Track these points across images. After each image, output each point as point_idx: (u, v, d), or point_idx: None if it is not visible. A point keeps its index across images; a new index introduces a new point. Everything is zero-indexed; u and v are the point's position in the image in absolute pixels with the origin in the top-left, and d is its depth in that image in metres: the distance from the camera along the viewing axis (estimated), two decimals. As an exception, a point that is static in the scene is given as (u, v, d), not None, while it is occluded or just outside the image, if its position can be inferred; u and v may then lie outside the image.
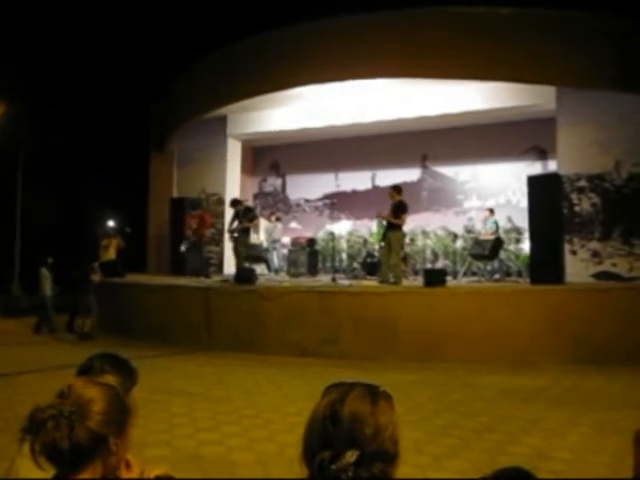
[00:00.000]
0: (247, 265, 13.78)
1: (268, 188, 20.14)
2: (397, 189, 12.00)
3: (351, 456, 1.29)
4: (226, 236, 14.42)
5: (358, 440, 1.32)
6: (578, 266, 12.97)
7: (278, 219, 17.37)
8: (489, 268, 13.65)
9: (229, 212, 15.02)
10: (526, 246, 13.07)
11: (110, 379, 1.69)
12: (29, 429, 1.44)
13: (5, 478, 1.76)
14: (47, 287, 14.02)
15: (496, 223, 13.71)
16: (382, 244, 14.88)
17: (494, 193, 16.42)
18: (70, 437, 1.42)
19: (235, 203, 13.87)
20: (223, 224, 16.75)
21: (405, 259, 13.55)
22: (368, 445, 1.32)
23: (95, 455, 1.47)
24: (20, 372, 8.59)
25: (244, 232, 13.43)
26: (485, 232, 13.67)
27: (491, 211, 14.11)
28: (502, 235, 13.73)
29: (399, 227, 11.54)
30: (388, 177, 17.52)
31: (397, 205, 11.53)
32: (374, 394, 1.41)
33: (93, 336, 12.29)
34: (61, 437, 1.42)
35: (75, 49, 29.30)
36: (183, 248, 14.79)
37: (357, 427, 1.33)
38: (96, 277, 13.37)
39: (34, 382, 7.75)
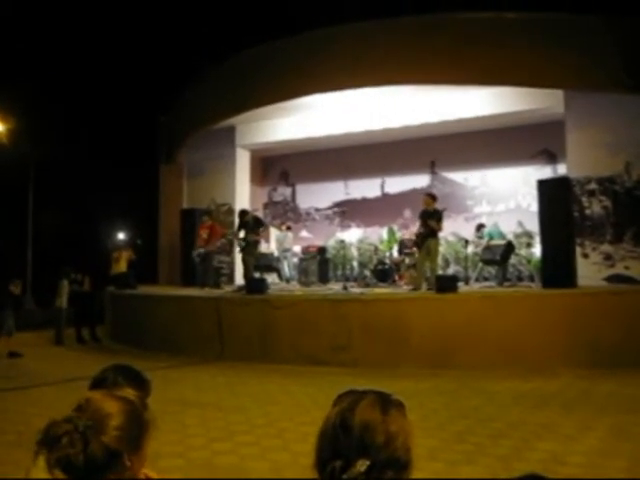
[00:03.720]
0: (258, 274, 13.80)
1: (278, 197, 20.18)
2: (433, 197, 12.05)
3: (362, 465, 1.29)
4: (236, 246, 14.41)
5: (369, 449, 1.32)
6: (590, 269, 12.91)
7: (289, 228, 17.40)
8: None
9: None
10: (537, 250, 13.02)
11: (130, 393, 1.68)
12: (43, 443, 1.44)
13: None
14: (64, 299, 14.09)
15: (490, 233, 13.70)
16: (394, 252, 14.96)
17: (504, 198, 16.39)
18: (85, 453, 1.42)
19: (242, 215, 13.85)
20: (233, 234, 16.77)
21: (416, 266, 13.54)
22: (379, 454, 1.31)
23: (109, 470, 1.46)
24: (34, 385, 8.62)
25: (252, 243, 13.42)
26: (484, 242, 13.62)
27: (480, 226, 14.23)
28: (512, 239, 13.71)
29: (437, 234, 11.61)
30: (397, 184, 17.56)
31: (437, 213, 11.63)
32: (385, 402, 1.41)
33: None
34: (75, 453, 1.41)
35: (83, 63, 29.50)
36: (197, 259, 14.81)
37: (368, 436, 1.33)
38: (16, 290, 13.11)
39: (47, 395, 7.78)
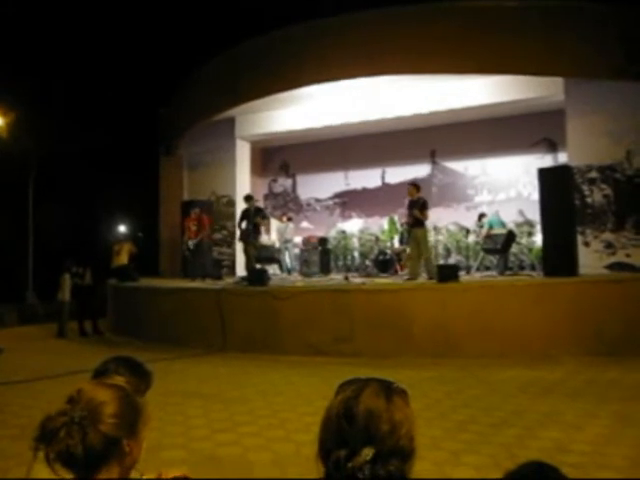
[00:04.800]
0: (259, 266, 13.79)
1: (278, 188, 20.17)
2: (416, 186, 12.03)
3: (367, 454, 1.27)
4: (237, 236, 14.41)
5: (374, 437, 1.30)
6: (591, 257, 12.90)
7: (289, 219, 17.39)
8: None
9: (240, 213, 15.00)
10: (538, 239, 13.01)
11: (119, 379, 1.68)
12: (42, 438, 1.43)
13: None
14: (66, 293, 14.12)
15: (490, 222, 13.63)
16: (395, 242, 14.95)
17: (505, 187, 16.37)
18: (83, 443, 1.42)
19: (248, 199, 13.81)
20: (234, 226, 16.76)
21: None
22: (384, 442, 1.30)
23: (109, 457, 1.46)
24: (36, 378, 8.63)
25: (254, 233, 13.39)
26: (484, 231, 13.57)
27: (481, 216, 14.17)
28: (513, 228, 13.70)
29: (423, 223, 11.56)
30: (398, 174, 17.52)
31: (420, 202, 11.55)
32: (389, 390, 1.39)
33: None
34: (74, 444, 1.41)
35: (84, 56, 29.43)
36: (187, 253, 14.78)
37: (372, 424, 1.32)
38: None
39: (50, 388, 7.78)
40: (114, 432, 1.46)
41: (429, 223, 14.88)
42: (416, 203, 11.61)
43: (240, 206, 15.63)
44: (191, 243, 14.52)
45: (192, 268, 14.79)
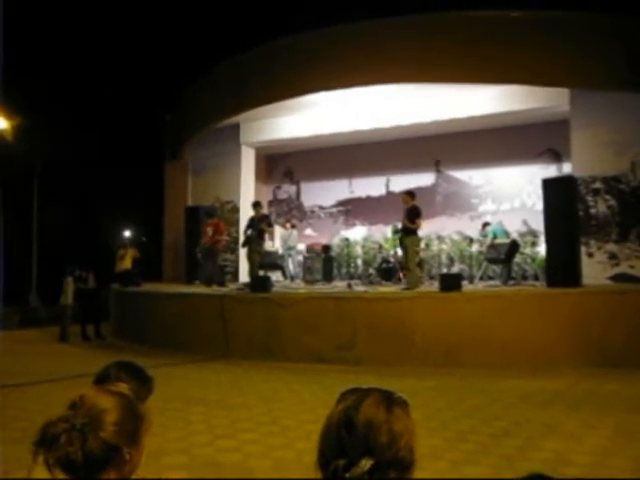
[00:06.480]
0: (263, 272, 13.78)
1: (282, 195, 20.19)
2: (411, 194, 11.94)
3: (365, 464, 1.27)
4: (241, 242, 14.41)
5: (373, 448, 1.30)
6: (595, 268, 12.87)
7: (293, 226, 17.38)
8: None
9: (244, 219, 14.98)
10: (542, 249, 13.00)
11: (122, 387, 1.68)
12: (41, 443, 1.43)
13: None
14: (69, 296, 14.13)
15: (494, 232, 13.59)
16: (398, 250, 14.95)
17: (509, 196, 16.36)
18: (83, 449, 1.42)
19: (256, 206, 13.77)
20: (238, 232, 16.76)
21: (420, 264, 13.51)
22: (383, 453, 1.30)
23: (109, 464, 1.46)
24: (38, 381, 8.63)
25: (258, 239, 13.38)
26: (488, 240, 13.54)
27: (485, 225, 14.15)
28: (517, 238, 13.70)
29: (414, 232, 11.49)
30: (402, 182, 17.51)
31: (411, 210, 11.50)
32: (389, 401, 1.39)
33: None
34: (74, 451, 1.41)
35: (89, 61, 29.53)
36: (199, 255, 14.78)
37: (372, 435, 1.31)
38: None
39: (52, 392, 7.78)
40: (115, 440, 1.46)
41: (432, 232, 14.94)
42: (408, 211, 11.57)
43: (244, 212, 15.67)
44: (205, 247, 14.54)
45: (201, 272, 14.85)
